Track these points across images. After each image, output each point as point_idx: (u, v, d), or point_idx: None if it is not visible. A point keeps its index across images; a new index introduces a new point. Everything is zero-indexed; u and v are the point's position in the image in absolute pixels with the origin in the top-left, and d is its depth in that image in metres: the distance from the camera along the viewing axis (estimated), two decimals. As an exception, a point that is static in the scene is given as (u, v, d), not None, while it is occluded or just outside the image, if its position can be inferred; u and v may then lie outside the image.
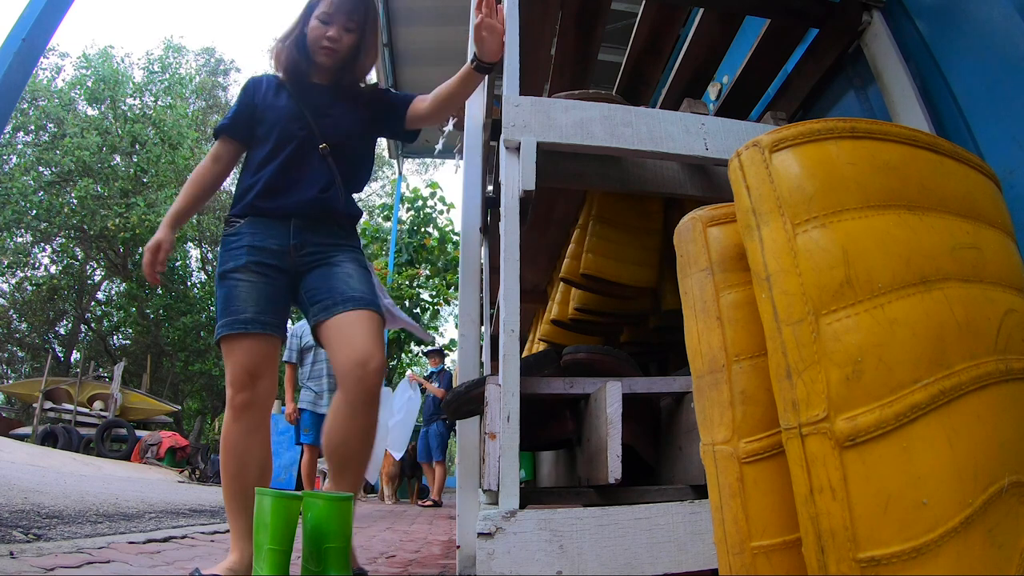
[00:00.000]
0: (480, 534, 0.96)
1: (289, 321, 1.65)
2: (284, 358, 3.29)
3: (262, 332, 1.40)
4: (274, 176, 1.47)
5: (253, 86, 1.60)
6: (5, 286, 15.07)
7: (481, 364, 2.10)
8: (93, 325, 15.88)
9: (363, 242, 9.96)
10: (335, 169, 1.50)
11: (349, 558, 1.36)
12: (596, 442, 1.18)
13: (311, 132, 1.50)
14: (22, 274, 14.64)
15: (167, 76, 15.62)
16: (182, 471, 7.95)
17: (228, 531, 2.61)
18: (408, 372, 6.63)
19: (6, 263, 13.76)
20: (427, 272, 9.67)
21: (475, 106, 2.13)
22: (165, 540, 2.11)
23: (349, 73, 1.59)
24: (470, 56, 1.56)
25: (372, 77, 1.76)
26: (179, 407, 12.82)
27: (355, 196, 1.63)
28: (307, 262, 1.47)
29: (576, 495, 1.38)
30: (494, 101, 2.08)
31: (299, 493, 1.35)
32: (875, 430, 0.50)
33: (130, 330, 15.75)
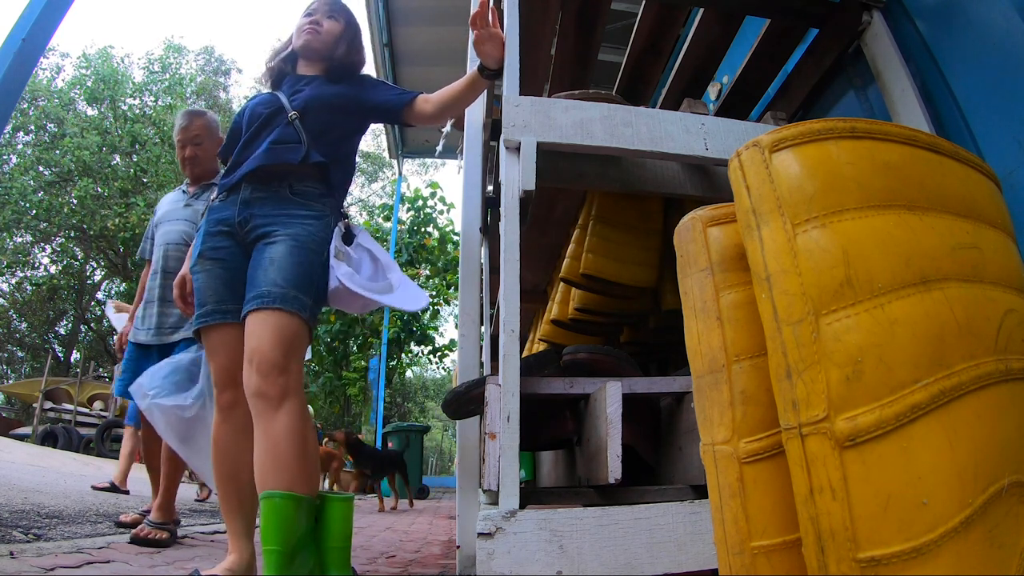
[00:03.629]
0: (480, 534, 0.96)
1: None
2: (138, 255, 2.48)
3: (223, 321, 1.36)
4: (238, 152, 1.47)
5: (242, 109, 1.61)
6: (5, 286, 15.08)
7: (481, 364, 2.10)
8: (93, 325, 15.88)
9: None
10: (302, 132, 1.43)
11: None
12: (596, 442, 1.18)
13: (280, 107, 1.48)
14: (22, 274, 14.65)
15: (167, 76, 15.62)
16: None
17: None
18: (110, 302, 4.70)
19: (6, 263, 13.76)
20: (427, 272, 9.67)
21: (475, 106, 2.13)
22: (165, 540, 2.10)
23: (338, 67, 1.59)
24: (470, 63, 1.57)
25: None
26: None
27: (351, 198, 1.61)
28: (251, 243, 1.39)
29: (576, 495, 1.38)
30: (494, 101, 2.08)
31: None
32: (875, 430, 0.50)
33: (130, 330, 15.71)
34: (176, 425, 1.67)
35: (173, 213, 2.36)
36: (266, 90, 1.64)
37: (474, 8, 1.42)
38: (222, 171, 1.56)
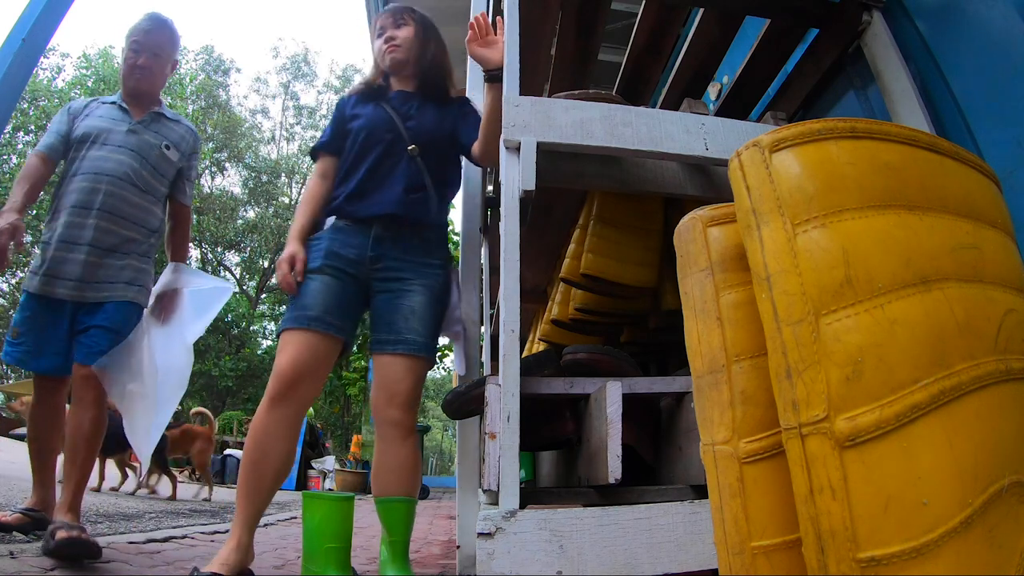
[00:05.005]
0: (480, 534, 0.96)
1: None
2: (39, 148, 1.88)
3: (325, 332, 1.42)
4: (363, 179, 1.52)
5: (342, 103, 1.69)
6: (5, 286, 15.07)
7: (481, 364, 2.10)
8: (93, 325, 15.84)
9: None
10: (425, 171, 1.53)
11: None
12: (596, 442, 1.18)
13: (398, 135, 1.54)
14: (22, 274, 14.64)
15: (167, 76, 15.59)
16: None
17: (228, 531, 2.61)
18: None
19: (6, 263, 13.74)
20: (427, 272, 9.64)
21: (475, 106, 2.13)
22: (165, 540, 2.11)
23: (430, 75, 1.63)
24: (471, 64, 1.63)
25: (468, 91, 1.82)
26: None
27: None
28: (380, 280, 1.50)
29: (576, 495, 1.38)
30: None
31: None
32: (875, 430, 0.50)
33: (130, 330, 15.71)
34: (129, 404, 1.69)
35: (114, 136, 1.84)
36: (359, 89, 1.68)
37: (474, 14, 1.46)
38: (336, 186, 1.58)
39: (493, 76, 1.48)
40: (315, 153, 1.67)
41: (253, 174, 18.01)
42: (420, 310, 1.47)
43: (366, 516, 3.94)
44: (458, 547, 1.65)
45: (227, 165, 18.47)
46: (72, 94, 14.27)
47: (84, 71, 14.51)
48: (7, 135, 12.93)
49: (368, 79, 1.68)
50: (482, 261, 2.22)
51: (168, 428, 4.39)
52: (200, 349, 14.39)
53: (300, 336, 1.41)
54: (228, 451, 7.94)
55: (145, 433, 1.75)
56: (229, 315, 15.64)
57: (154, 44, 1.94)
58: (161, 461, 4.39)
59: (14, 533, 1.78)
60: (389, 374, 1.43)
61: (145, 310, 1.87)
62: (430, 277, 1.50)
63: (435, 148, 1.56)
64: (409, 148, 1.52)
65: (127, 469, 4.54)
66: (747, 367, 0.62)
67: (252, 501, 1.36)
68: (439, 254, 1.56)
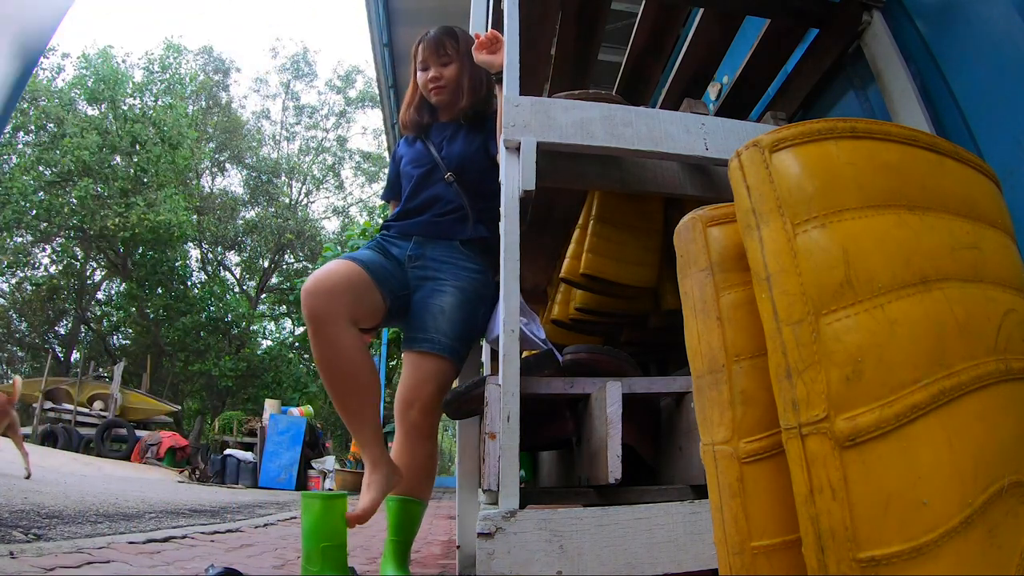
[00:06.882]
0: (480, 534, 0.96)
1: None
2: None
3: (363, 268, 1.39)
4: (404, 203, 1.62)
5: (396, 150, 1.80)
6: (5, 286, 15.11)
7: (481, 364, 2.10)
8: (93, 325, 15.89)
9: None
10: (463, 194, 1.57)
11: (345, 556, 1.36)
12: (596, 442, 1.18)
13: (435, 165, 1.61)
14: (22, 274, 14.66)
15: (167, 76, 15.63)
16: (182, 471, 7.96)
17: (228, 531, 2.61)
18: None
19: (6, 263, 13.78)
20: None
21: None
22: (165, 540, 2.11)
23: (469, 104, 1.66)
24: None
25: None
26: (179, 407, 12.82)
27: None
28: (417, 278, 1.52)
29: (576, 495, 1.38)
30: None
31: (342, 493, 1.40)
32: (875, 430, 0.50)
33: (130, 330, 15.78)
34: None
35: None
36: (410, 136, 1.74)
37: (474, 15, 1.47)
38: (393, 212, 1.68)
39: (500, 78, 1.49)
40: (385, 201, 1.84)
41: (253, 174, 18.02)
42: (450, 311, 1.47)
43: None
44: (458, 547, 1.65)
45: (227, 165, 18.48)
46: (72, 94, 14.28)
47: (84, 71, 14.49)
48: (7, 135, 12.93)
49: (408, 116, 1.73)
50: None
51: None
52: (200, 348, 14.39)
53: (335, 263, 1.39)
54: (228, 451, 7.93)
55: None
56: (229, 315, 15.64)
57: None
58: None
59: (14, 533, 1.78)
60: (414, 373, 1.44)
61: None
62: (465, 280, 1.51)
63: (471, 168, 1.60)
64: (446, 176, 1.59)
65: None
66: (747, 367, 0.62)
67: (363, 427, 1.38)
68: (481, 260, 1.57)
